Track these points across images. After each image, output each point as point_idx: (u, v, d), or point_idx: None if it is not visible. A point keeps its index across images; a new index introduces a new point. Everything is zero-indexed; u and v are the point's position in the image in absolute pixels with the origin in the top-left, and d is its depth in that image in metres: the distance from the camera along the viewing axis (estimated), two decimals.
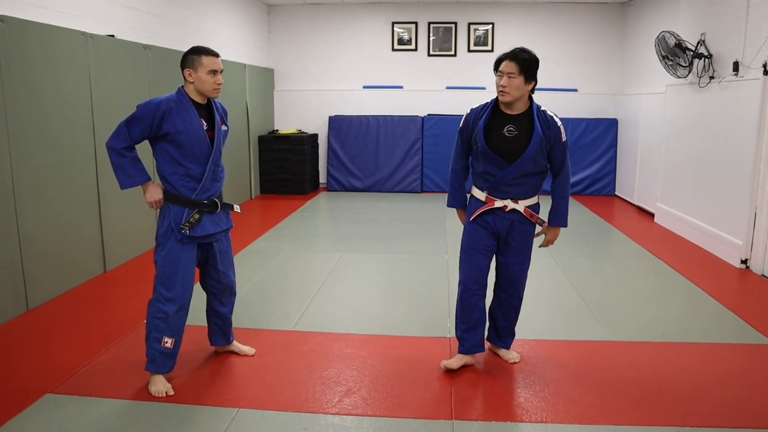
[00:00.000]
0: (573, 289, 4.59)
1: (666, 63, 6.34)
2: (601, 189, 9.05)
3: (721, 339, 3.70)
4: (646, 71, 7.90)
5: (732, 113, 5.43)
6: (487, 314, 3.32)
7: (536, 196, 3.16)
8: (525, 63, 2.93)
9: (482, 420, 2.76)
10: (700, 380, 3.14)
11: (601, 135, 9.00)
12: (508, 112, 3.04)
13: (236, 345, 3.39)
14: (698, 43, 5.97)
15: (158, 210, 2.95)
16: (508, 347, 3.41)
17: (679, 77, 6.27)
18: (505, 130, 3.02)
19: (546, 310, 4.17)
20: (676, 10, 6.81)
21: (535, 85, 3.01)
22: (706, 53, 5.87)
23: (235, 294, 3.31)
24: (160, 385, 2.94)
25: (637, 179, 8.10)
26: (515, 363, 3.33)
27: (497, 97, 3.06)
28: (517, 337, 3.65)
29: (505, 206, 3.10)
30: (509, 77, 2.93)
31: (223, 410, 2.79)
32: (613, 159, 9.02)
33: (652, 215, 7.36)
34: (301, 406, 2.83)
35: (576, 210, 7.86)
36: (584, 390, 3.03)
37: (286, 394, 2.95)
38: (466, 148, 3.21)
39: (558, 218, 3.16)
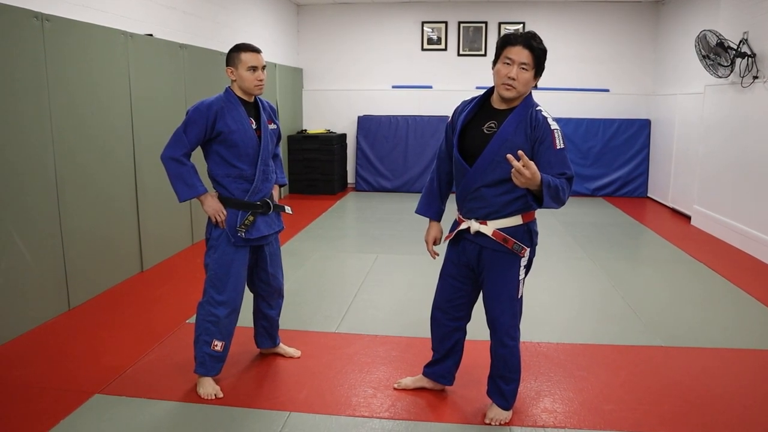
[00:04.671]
0: (617, 293, 4.49)
1: (706, 62, 6.22)
2: (633, 191, 8.92)
3: None
4: (681, 71, 7.77)
5: None
6: (462, 348, 2.89)
7: (516, 217, 2.51)
8: (540, 54, 2.39)
9: (538, 426, 2.69)
10: (759, 388, 3.05)
11: (633, 136, 8.86)
12: (498, 106, 2.51)
13: (282, 347, 3.35)
14: (740, 42, 5.85)
15: (217, 215, 2.86)
16: (499, 406, 2.72)
17: (720, 77, 6.14)
18: (485, 126, 2.50)
19: (592, 314, 4.09)
20: (714, 8, 6.68)
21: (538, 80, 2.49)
22: (749, 52, 5.74)
23: (282, 297, 3.26)
24: (209, 387, 2.91)
25: (671, 181, 7.96)
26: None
27: (490, 90, 2.56)
28: (565, 341, 3.60)
29: (470, 228, 2.56)
30: (522, 68, 2.37)
31: (275, 413, 2.75)
32: (646, 160, 8.87)
33: (688, 218, 7.22)
34: (354, 410, 2.78)
35: (609, 212, 7.76)
36: (639, 396, 2.95)
37: (337, 397, 2.91)
38: (450, 148, 2.67)
39: (543, 178, 2.26)
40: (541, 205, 2.37)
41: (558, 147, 2.38)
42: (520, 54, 2.37)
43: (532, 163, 2.21)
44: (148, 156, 4.76)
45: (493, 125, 2.48)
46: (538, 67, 2.42)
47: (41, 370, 3.13)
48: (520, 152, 2.21)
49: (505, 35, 2.46)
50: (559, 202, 2.36)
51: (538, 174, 2.22)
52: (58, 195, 3.88)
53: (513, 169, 2.21)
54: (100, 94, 4.29)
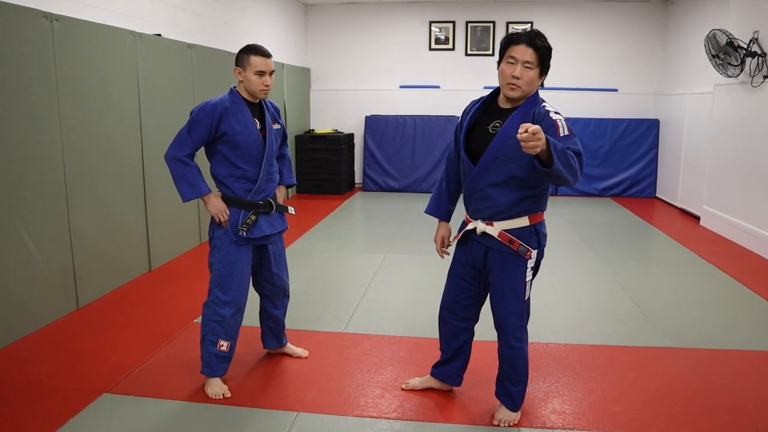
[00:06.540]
0: (625, 294, 4.47)
1: (716, 62, 6.18)
2: (641, 191, 8.87)
3: None
4: (690, 71, 7.72)
5: None
6: (470, 349, 2.88)
7: (522, 218, 2.48)
8: (545, 52, 2.36)
9: (547, 428, 2.67)
10: None
11: (641, 136, 8.81)
12: (504, 105, 2.49)
13: (289, 347, 3.35)
14: (750, 41, 5.80)
15: (220, 215, 2.85)
16: (507, 407, 2.71)
17: (730, 76, 6.10)
18: (490, 126, 2.48)
19: (600, 315, 4.07)
20: (723, 7, 6.63)
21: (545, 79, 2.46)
22: (759, 51, 5.70)
23: (288, 297, 3.26)
24: (217, 387, 2.90)
25: (680, 181, 7.92)
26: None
27: (497, 90, 2.52)
28: (573, 341, 3.58)
29: (476, 229, 2.54)
30: (526, 67, 2.34)
31: (282, 414, 2.74)
32: (654, 160, 8.83)
33: (697, 218, 7.18)
34: (362, 411, 2.78)
35: (617, 212, 7.72)
36: (649, 398, 2.93)
37: (345, 397, 2.90)
38: (458, 149, 2.64)
39: (549, 138, 2.14)
40: (551, 167, 2.15)
41: (562, 134, 2.29)
42: (523, 53, 2.34)
43: (535, 126, 2.06)
44: (156, 156, 4.76)
45: (498, 124, 2.46)
46: (543, 65, 2.38)
47: (49, 369, 3.14)
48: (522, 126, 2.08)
49: (509, 34, 2.43)
50: (571, 171, 2.20)
51: (542, 134, 2.08)
52: (66, 194, 3.89)
53: (519, 135, 2.07)
54: (108, 94, 4.30)
